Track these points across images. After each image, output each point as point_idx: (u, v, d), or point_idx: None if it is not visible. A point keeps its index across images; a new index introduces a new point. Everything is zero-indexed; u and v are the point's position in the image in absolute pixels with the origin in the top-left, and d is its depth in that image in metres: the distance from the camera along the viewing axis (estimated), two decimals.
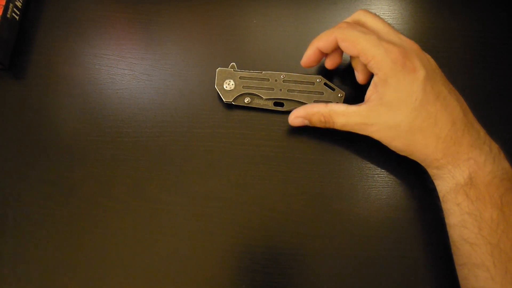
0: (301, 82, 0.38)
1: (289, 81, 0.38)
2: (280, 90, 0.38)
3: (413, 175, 0.37)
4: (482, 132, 0.32)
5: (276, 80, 0.38)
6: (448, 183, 0.32)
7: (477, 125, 0.32)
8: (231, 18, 0.44)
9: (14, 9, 0.43)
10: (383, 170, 0.38)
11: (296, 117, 0.37)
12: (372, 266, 0.35)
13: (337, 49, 0.37)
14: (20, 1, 0.44)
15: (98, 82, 0.41)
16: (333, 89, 0.38)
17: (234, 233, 0.36)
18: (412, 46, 0.34)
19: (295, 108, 0.37)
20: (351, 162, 0.38)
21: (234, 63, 0.39)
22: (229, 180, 0.38)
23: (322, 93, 0.38)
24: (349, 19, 0.37)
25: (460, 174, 0.31)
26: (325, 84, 0.38)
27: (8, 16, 0.42)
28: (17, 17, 0.43)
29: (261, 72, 0.38)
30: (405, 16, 0.44)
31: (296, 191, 0.37)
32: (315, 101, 0.38)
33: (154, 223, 0.36)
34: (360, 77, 0.37)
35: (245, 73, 0.38)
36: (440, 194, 0.33)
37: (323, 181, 0.37)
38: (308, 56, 0.36)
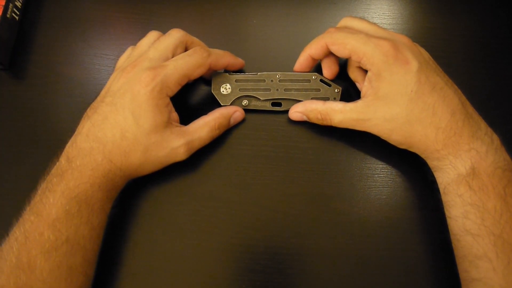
0: (297, 81, 0.38)
1: (285, 81, 0.38)
2: (277, 90, 0.38)
3: (413, 175, 0.37)
4: (482, 124, 0.32)
5: (272, 81, 0.38)
6: (449, 174, 0.32)
7: (477, 117, 0.32)
8: (231, 19, 0.44)
9: (14, 9, 0.43)
10: (383, 170, 0.38)
11: (295, 112, 0.38)
12: (372, 266, 0.35)
13: (331, 57, 0.37)
14: (20, 1, 0.44)
15: (98, 82, 0.41)
16: (330, 85, 0.38)
17: (234, 233, 0.36)
18: (402, 39, 0.34)
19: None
20: (351, 162, 0.38)
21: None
22: (229, 180, 0.38)
23: (319, 90, 0.38)
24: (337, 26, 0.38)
25: (462, 165, 0.31)
26: (321, 80, 0.38)
27: (8, 16, 0.42)
28: (17, 17, 0.43)
29: (257, 74, 0.38)
30: (405, 16, 0.44)
31: (296, 191, 0.37)
32: (313, 98, 0.38)
33: (153, 223, 0.36)
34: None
35: (240, 76, 0.38)
36: (441, 186, 0.33)
37: (323, 181, 0.37)
38: (301, 63, 0.37)
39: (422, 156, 0.34)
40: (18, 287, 0.28)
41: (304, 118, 0.38)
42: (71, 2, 0.45)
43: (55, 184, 0.31)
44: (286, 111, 0.39)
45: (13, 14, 0.43)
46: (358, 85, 0.38)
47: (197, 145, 0.36)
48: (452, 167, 0.32)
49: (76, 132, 0.33)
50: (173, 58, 0.34)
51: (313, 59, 0.37)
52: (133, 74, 0.33)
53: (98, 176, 0.32)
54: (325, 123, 0.36)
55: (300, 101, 0.38)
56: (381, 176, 0.38)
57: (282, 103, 0.39)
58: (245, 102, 0.39)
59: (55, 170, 0.32)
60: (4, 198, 0.38)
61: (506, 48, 0.42)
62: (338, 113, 0.35)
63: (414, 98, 0.32)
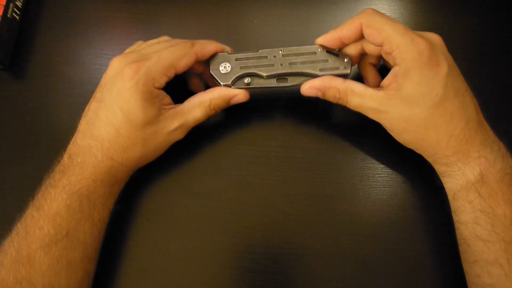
0: (302, 54, 0.36)
1: (289, 55, 0.36)
2: (281, 64, 0.35)
3: (414, 175, 0.37)
4: (490, 132, 0.32)
5: (275, 56, 0.35)
6: (458, 180, 0.32)
7: (486, 125, 0.32)
8: (231, 18, 0.44)
9: (14, 9, 0.43)
10: (384, 170, 0.38)
11: (310, 87, 0.35)
12: (372, 266, 0.35)
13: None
14: (20, 1, 0.44)
15: (98, 82, 0.41)
16: (337, 55, 0.35)
17: (234, 233, 0.36)
18: (434, 37, 0.33)
19: (301, 82, 0.35)
20: (352, 161, 0.38)
21: (228, 49, 0.37)
22: (230, 180, 0.38)
23: (327, 61, 0.35)
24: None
25: (471, 172, 0.31)
26: (328, 51, 0.35)
27: (8, 16, 0.42)
28: (17, 17, 0.44)
29: (258, 51, 0.36)
30: (405, 16, 0.44)
31: (296, 191, 0.37)
32: (321, 70, 0.35)
33: (153, 222, 0.36)
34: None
35: (240, 55, 0.36)
36: (450, 192, 0.33)
37: (323, 181, 0.37)
38: (327, 39, 0.34)
39: (429, 160, 0.34)
40: (17, 281, 0.28)
41: (319, 94, 0.35)
42: (72, 2, 0.45)
43: (57, 179, 0.31)
44: (294, 87, 0.36)
45: (13, 14, 0.43)
46: (365, 82, 0.37)
47: (192, 124, 0.35)
48: (461, 173, 0.31)
49: (77, 129, 0.34)
50: (157, 51, 0.33)
51: (341, 42, 0.34)
52: (118, 68, 0.33)
53: (100, 172, 0.32)
54: (341, 102, 0.35)
55: (307, 74, 0.35)
56: (382, 176, 0.38)
57: (288, 79, 0.36)
58: (247, 80, 0.36)
59: (58, 166, 0.32)
60: (4, 198, 0.37)
61: (506, 48, 0.42)
62: (358, 96, 0.33)
63: (437, 102, 0.31)
